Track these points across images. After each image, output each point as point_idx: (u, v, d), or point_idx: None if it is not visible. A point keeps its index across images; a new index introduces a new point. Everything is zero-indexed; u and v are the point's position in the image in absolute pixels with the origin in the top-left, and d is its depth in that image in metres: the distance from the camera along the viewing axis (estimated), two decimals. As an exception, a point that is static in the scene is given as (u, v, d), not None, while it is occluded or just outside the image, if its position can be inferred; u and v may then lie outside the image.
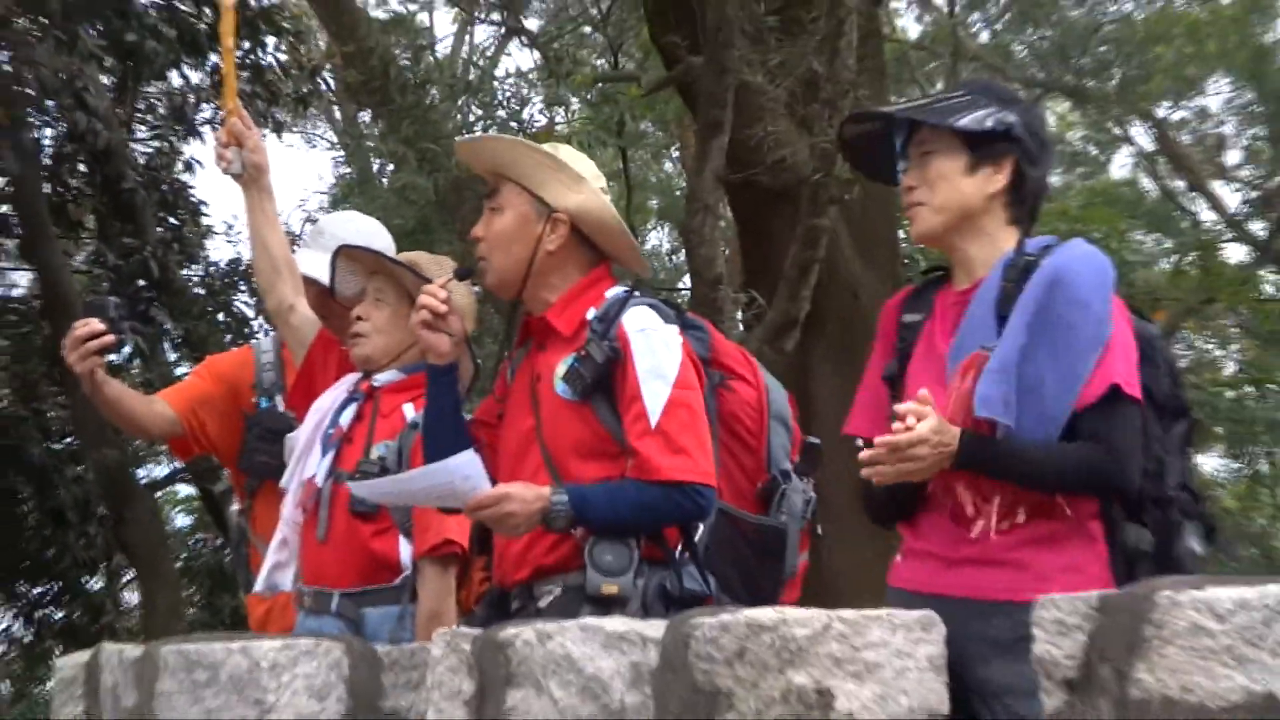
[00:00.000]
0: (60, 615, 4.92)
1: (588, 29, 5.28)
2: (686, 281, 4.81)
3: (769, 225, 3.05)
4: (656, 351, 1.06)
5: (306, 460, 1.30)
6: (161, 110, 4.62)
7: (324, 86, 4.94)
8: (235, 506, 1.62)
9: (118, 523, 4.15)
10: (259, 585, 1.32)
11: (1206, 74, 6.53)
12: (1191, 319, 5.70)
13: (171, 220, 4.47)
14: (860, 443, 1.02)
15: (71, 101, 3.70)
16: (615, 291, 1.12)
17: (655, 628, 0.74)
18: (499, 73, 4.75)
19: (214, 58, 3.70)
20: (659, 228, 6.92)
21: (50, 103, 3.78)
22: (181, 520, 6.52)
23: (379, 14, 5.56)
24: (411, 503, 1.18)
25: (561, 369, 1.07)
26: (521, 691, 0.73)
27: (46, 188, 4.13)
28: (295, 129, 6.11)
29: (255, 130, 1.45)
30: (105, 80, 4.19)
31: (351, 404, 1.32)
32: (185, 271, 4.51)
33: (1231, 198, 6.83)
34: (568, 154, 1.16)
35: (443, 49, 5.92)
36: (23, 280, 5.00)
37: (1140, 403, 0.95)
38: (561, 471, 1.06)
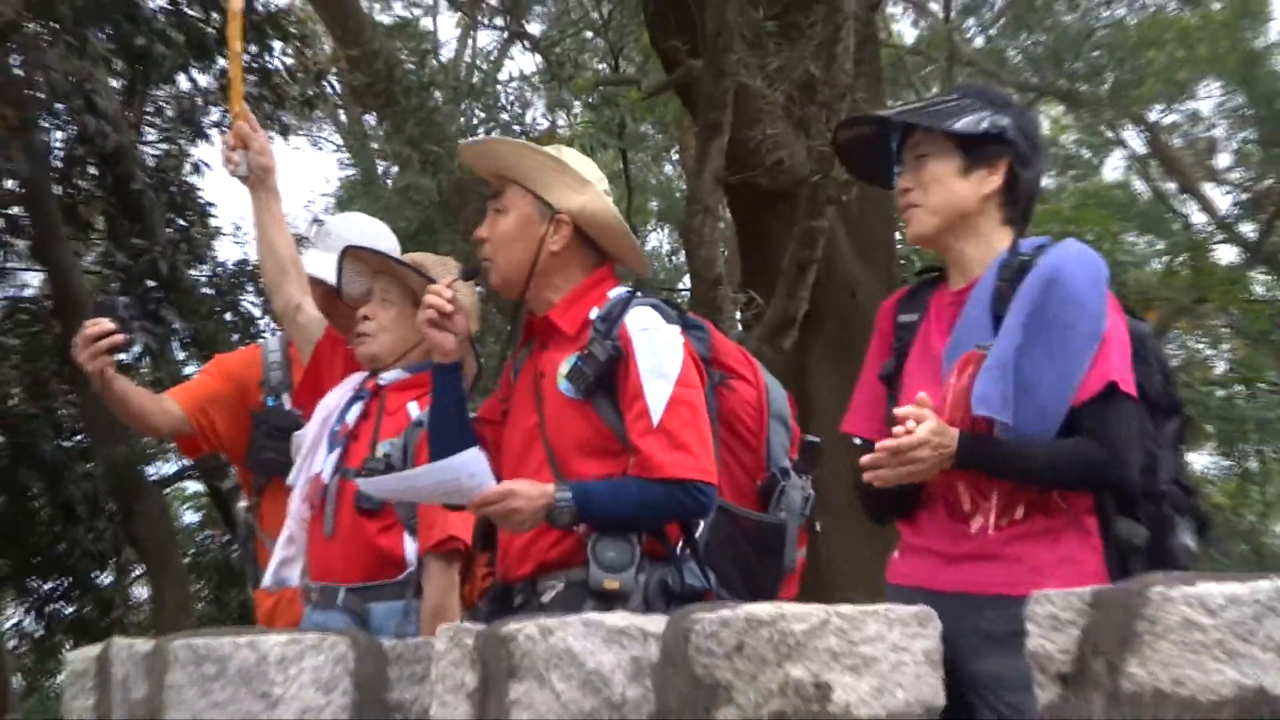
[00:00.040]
0: (71, 610, 4.96)
1: (589, 34, 5.29)
2: (686, 282, 4.85)
3: (768, 226, 3.08)
4: (659, 351, 1.07)
5: (313, 457, 1.31)
6: (170, 113, 4.67)
7: (329, 90, 4.96)
8: (243, 503, 1.63)
9: (127, 519, 4.19)
10: (267, 580, 1.34)
11: (1198, 78, 6.64)
12: (1183, 319, 5.77)
13: (180, 221, 4.52)
14: (858, 441, 1.04)
15: (81, 104, 3.74)
16: (618, 292, 1.13)
17: (656, 622, 0.75)
18: (502, 76, 4.80)
19: (221, 62, 3.76)
20: (659, 229, 6.95)
21: (60, 106, 3.83)
22: (190, 516, 6.59)
23: (384, 18, 5.61)
24: (418, 499, 1.19)
25: (565, 367, 1.08)
26: (524, 685, 0.74)
27: (57, 189, 4.19)
28: (301, 132, 6.16)
29: (262, 133, 1.47)
30: (115, 84, 4.25)
31: (357, 402, 1.33)
32: (193, 272, 4.55)
33: (1222, 200, 7.00)
34: (571, 156, 1.17)
35: (446, 53, 5.97)
36: (34, 280, 5.05)
37: (1136, 399, 0.96)
38: (564, 468, 1.07)
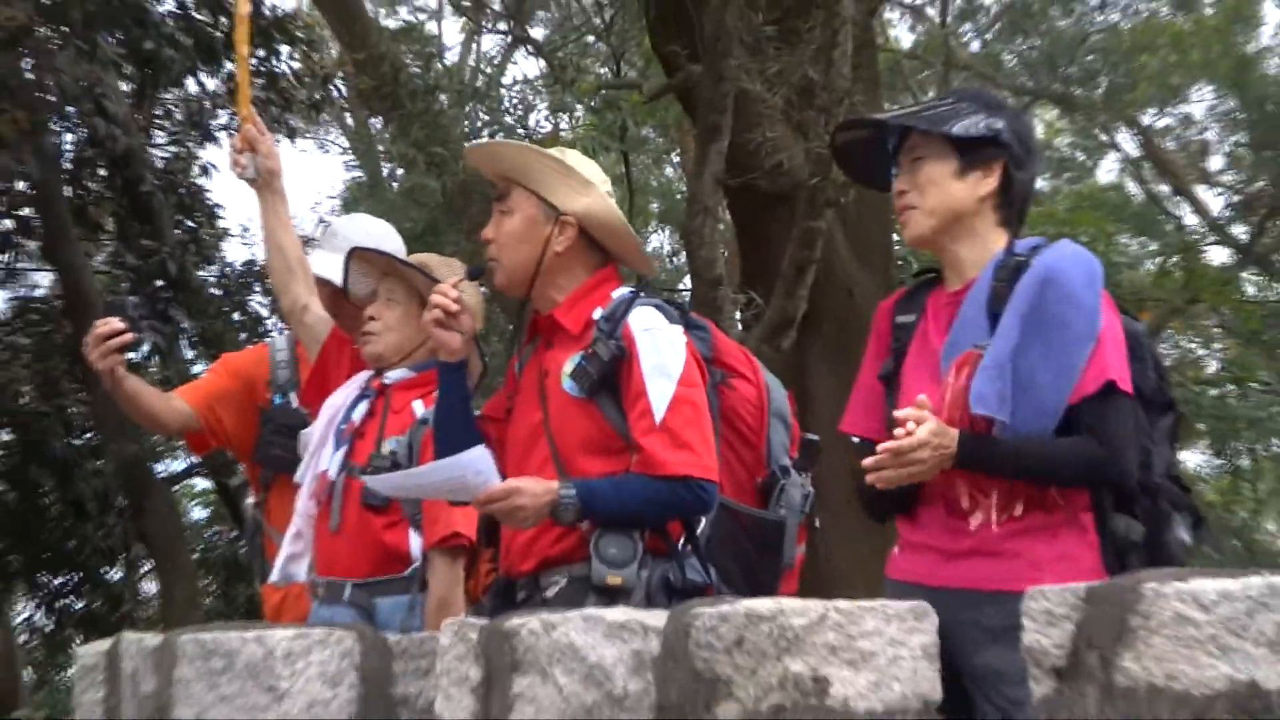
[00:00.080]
0: (81, 605, 4.98)
1: (591, 38, 5.35)
2: (687, 282, 4.84)
3: (767, 227, 3.10)
4: (661, 350, 1.08)
5: (320, 454, 1.33)
6: (179, 116, 4.71)
7: (336, 93, 5.00)
8: (250, 499, 1.66)
9: (136, 515, 4.22)
10: (274, 576, 1.35)
11: (1190, 82, 6.72)
12: (1176, 319, 5.76)
13: (189, 222, 4.55)
14: (856, 440, 1.05)
15: (91, 108, 3.77)
16: (621, 292, 1.14)
17: (657, 617, 0.76)
18: (506, 80, 4.84)
19: (229, 66, 3.79)
20: (660, 230, 6.97)
21: (71, 109, 3.86)
22: (198, 512, 6.60)
23: (389, 23, 5.65)
24: (424, 496, 1.21)
25: (569, 366, 1.10)
26: (527, 679, 0.75)
27: (67, 191, 4.23)
28: (308, 134, 6.26)
29: (269, 136, 1.48)
30: (124, 87, 4.27)
31: (363, 400, 1.35)
32: (202, 272, 4.58)
33: (1214, 202, 7.07)
34: (575, 158, 1.19)
35: (451, 57, 6.02)
36: (45, 280, 5.12)
37: (1133, 396, 0.96)
38: (568, 465, 1.08)
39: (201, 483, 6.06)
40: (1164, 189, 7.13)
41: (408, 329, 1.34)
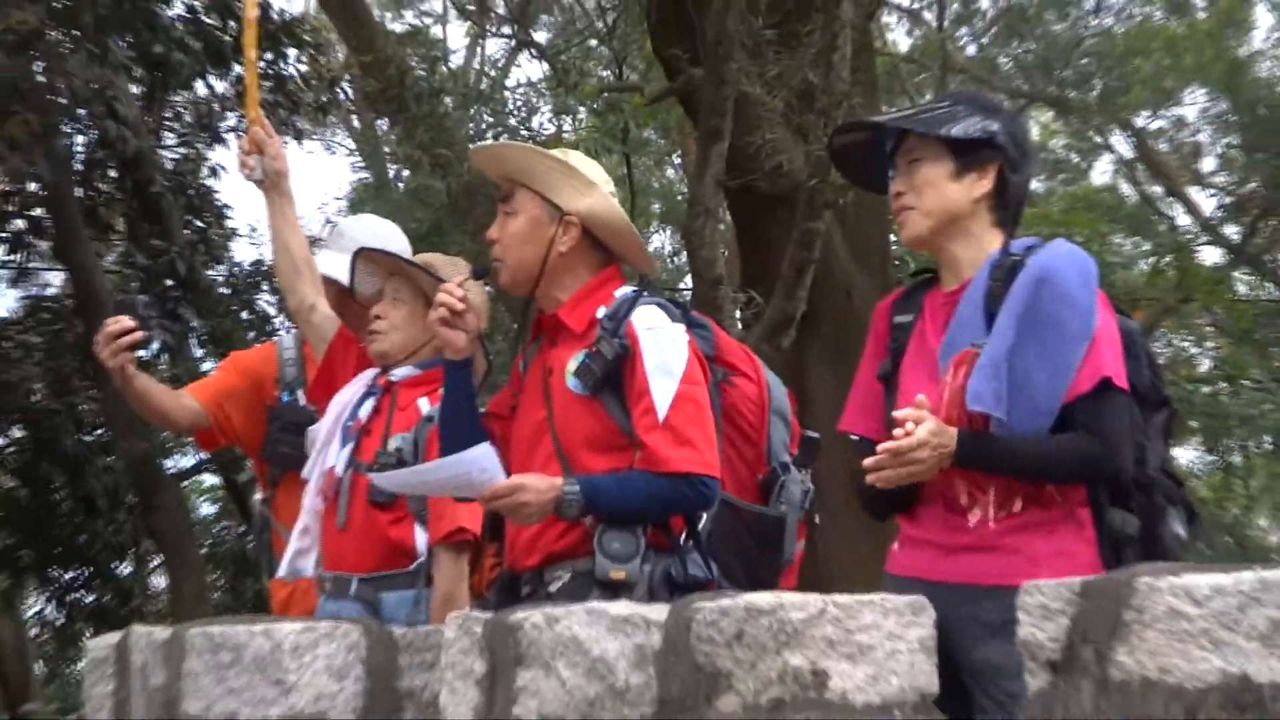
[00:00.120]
0: (91, 599, 5.03)
1: (594, 42, 5.35)
2: (688, 281, 4.85)
3: (767, 228, 3.12)
4: (664, 349, 1.09)
5: (327, 451, 1.34)
6: (188, 118, 4.75)
7: (343, 96, 5.01)
8: (258, 495, 1.66)
9: (146, 511, 4.25)
10: (282, 571, 1.36)
11: (1183, 85, 6.73)
12: (1169, 318, 5.80)
13: (197, 223, 4.60)
14: (855, 439, 1.05)
15: (102, 110, 3.81)
16: (624, 291, 1.15)
17: (658, 611, 0.77)
18: (509, 83, 4.90)
19: (238, 69, 3.83)
20: (661, 231, 6.97)
21: (82, 111, 3.89)
22: (207, 508, 6.62)
23: (395, 27, 5.67)
24: (430, 493, 1.22)
25: (573, 364, 1.11)
26: (531, 672, 0.76)
27: (78, 192, 4.27)
28: (315, 136, 6.22)
29: (276, 138, 1.50)
30: (134, 90, 4.30)
31: (370, 398, 1.36)
32: (211, 272, 4.62)
33: (1207, 203, 7.08)
34: (578, 160, 1.20)
35: (456, 61, 6.06)
36: (56, 280, 5.14)
37: (1128, 393, 0.97)
38: (572, 462, 1.09)
39: (210, 479, 6.07)
40: (1157, 190, 7.14)
41: (413, 328, 1.35)
